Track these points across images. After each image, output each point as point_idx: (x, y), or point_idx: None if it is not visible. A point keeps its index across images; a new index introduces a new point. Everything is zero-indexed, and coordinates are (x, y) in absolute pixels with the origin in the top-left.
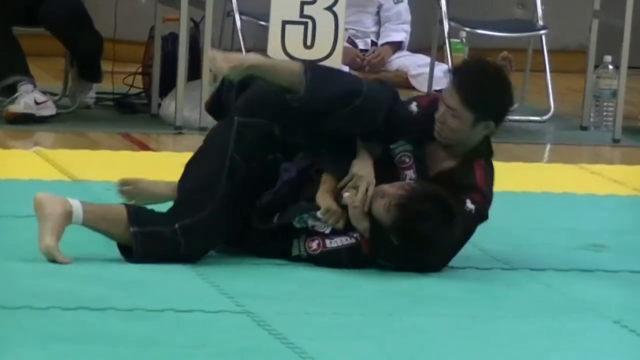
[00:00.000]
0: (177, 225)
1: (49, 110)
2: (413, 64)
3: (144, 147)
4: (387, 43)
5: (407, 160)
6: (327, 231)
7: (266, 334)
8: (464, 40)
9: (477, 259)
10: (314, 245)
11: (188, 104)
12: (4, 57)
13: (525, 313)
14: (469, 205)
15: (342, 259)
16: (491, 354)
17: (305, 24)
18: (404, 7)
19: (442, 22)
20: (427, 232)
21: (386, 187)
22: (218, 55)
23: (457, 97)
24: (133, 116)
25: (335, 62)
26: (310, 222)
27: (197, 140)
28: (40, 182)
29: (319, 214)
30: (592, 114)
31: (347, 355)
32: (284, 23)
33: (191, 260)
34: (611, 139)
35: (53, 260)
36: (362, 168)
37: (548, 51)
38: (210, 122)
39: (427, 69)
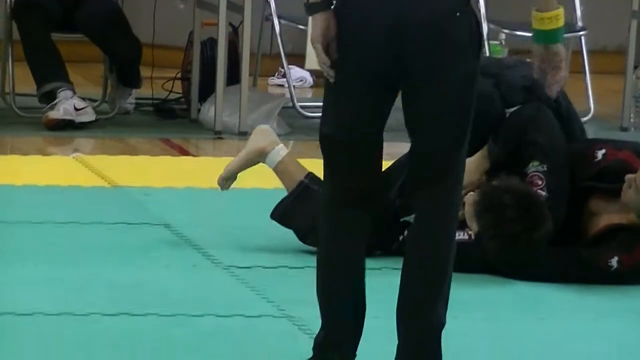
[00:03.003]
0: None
1: (88, 116)
2: None
3: (184, 152)
4: None
5: (540, 182)
6: None
7: (307, 339)
8: (503, 42)
9: None
10: None
11: (227, 108)
12: (43, 63)
13: (565, 315)
14: (613, 262)
15: None
16: (531, 357)
17: None
18: None
19: (481, 24)
20: (498, 221)
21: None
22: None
23: None
24: (172, 121)
25: None
26: None
27: (237, 145)
28: (80, 188)
29: None
30: (632, 115)
31: (388, 358)
32: None
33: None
34: None
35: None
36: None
37: (587, 52)
38: (249, 126)
39: None
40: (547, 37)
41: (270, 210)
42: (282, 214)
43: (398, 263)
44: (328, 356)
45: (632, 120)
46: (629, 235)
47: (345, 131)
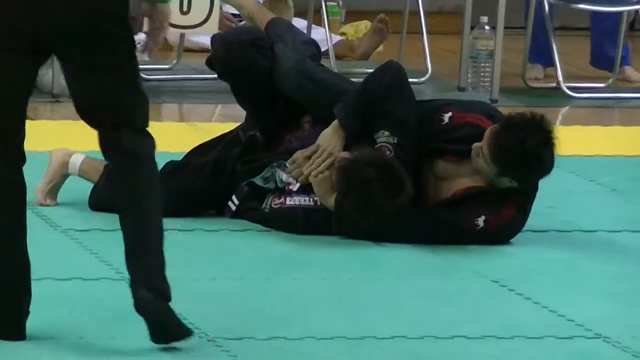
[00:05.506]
0: None
1: None
2: None
3: None
4: None
5: (388, 152)
6: (295, 189)
7: None
8: (341, 3)
9: None
10: (277, 200)
11: None
12: None
13: (402, 275)
14: (480, 222)
15: (296, 219)
16: (368, 316)
17: None
18: None
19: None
20: (367, 196)
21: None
22: None
23: (489, 149)
24: None
25: (212, 28)
26: (283, 177)
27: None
28: None
29: (287, 162)
30: (469, 75)
31: (225, 319)
32: None
33: None
34: (489, 99)
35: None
36: (325, 138)
37: (424, 13)
38: None
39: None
40: None
41: None
42: (98, 200)
43: (237, 225)
44: None
45: (469, 80)
46: (495, 196)
47: None
